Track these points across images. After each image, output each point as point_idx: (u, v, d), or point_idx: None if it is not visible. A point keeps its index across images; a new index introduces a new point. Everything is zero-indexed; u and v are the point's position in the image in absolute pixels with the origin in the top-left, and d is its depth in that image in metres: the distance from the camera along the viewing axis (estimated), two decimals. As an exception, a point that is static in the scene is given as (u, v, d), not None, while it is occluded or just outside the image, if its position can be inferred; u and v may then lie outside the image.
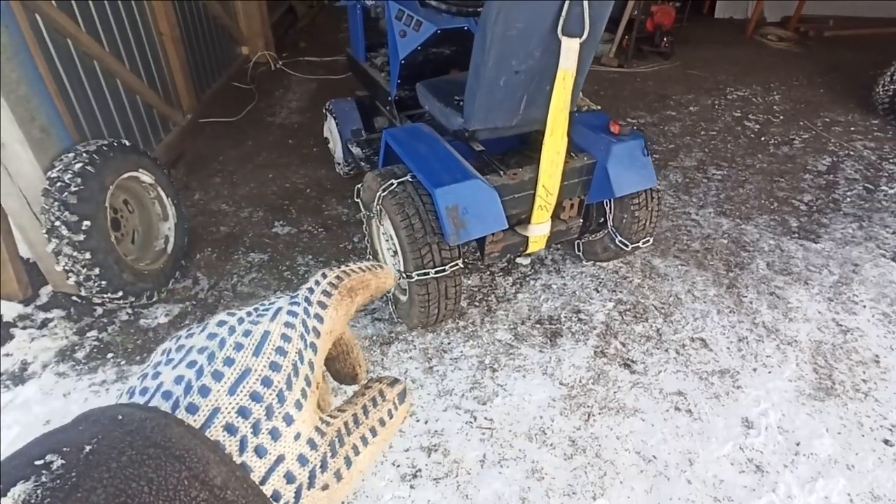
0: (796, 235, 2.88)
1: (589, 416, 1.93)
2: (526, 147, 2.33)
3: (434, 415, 1.92)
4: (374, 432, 0.30)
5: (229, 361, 0.26)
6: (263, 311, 0.30)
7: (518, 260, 2.61)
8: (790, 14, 5.96)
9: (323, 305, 0.30)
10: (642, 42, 5.11)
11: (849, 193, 3.25)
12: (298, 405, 0.27)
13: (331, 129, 3.07)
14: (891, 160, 3.61)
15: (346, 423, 0.30)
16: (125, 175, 2.14)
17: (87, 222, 1.91)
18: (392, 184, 1.86)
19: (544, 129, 1.83)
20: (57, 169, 1.93)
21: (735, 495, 1.70)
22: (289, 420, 0.26)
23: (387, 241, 2.09)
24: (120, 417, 0.23)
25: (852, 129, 4.01)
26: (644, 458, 1.80)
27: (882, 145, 3.79)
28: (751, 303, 2.43)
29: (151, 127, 3.07)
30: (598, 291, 2.46)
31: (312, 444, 0.27)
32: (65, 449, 0.21)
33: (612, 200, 2.22)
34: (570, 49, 1.64)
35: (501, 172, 1.94)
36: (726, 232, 2.89)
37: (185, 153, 3.36)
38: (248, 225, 2.84)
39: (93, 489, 0.19)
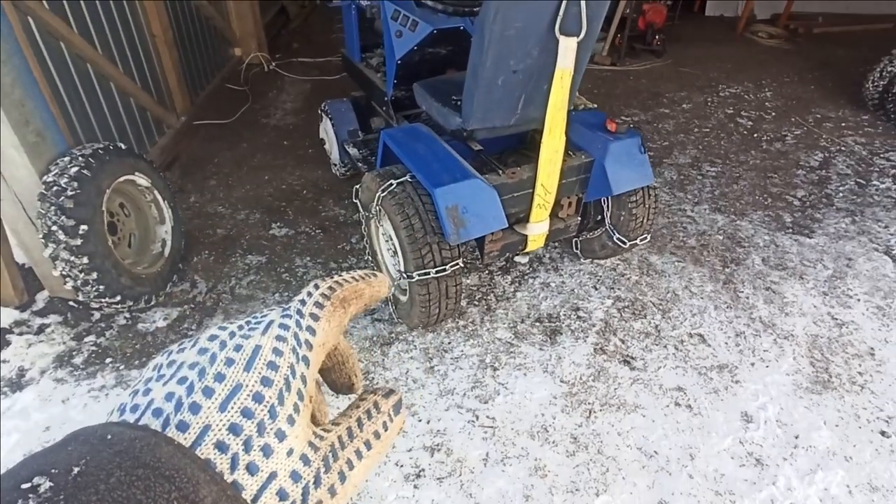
0: (790, 231, 2.91)
1: (590, 412, 1.94)
2: (523, 146, 2.34)
3: (436, 414, 1.92)
4: (368, 445, 0.30)
5: (220, 377, 0.26)
6: (255, 324, 0.29)
7: (516, 259, 2.62)
8: (779, 11, 6.02)
9: (315, 317, 0.30)
10: (634, 40, 5.14)
11: (841, 188, 3.29)
12: (291, 420, 0.26)
13: (327, 130, 3.06)
14: (881, 155, 3.65)
15: (339, 437, 0.29)
16: (121, 178, 2.13)
17: (84, 226, 1.90)
18: (391, 184, 1.86)
19: (542, 128, 1.84)
20: (53, 173, 1.92)
21: (736, 489, 1.72)
22: (281, 436, 0.26)
23: (386, 241, 2.09)
24: (109, 437, 0.22)
25: (843, 124, 4.05)
26: (645, 453, 1.81)
27: (872, 140, 3.83)
28: (747, 298, 2.46)
29: (145, 129, 3.05)
30: (596, 289, 2.48)
31: (305, 460, 0.26)
32: (53, 471, 0.20)
33: (609, 198, 2.23)
34: (567, 48, 1.65)
35: (500, 172, 1.94)
36: (721, 228, 2.91)
37: (179, 156, 3.34)
38: (245, 227, 2.83)
39: None
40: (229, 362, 0.27)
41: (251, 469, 0.24)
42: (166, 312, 2.30)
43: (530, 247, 2.11)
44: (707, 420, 1.92)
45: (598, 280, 2.52)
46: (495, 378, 2.05)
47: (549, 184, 1.94)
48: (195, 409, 0.25)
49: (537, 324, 2.29)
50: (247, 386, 0.26)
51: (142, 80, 3.01)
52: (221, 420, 0.25)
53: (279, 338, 0.28)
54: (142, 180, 2.25)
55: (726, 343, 2.23)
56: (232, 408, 0.25)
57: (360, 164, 2.64)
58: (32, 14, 2.12)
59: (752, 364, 2.14)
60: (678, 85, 4.66)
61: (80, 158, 1.95)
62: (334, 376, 0.36)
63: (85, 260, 1.92)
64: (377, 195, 1.90)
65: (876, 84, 3.99)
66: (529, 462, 1.78)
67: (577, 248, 2.58)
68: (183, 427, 0.24)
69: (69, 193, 1.87)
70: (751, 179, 3.36)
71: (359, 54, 2.84)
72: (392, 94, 2.47)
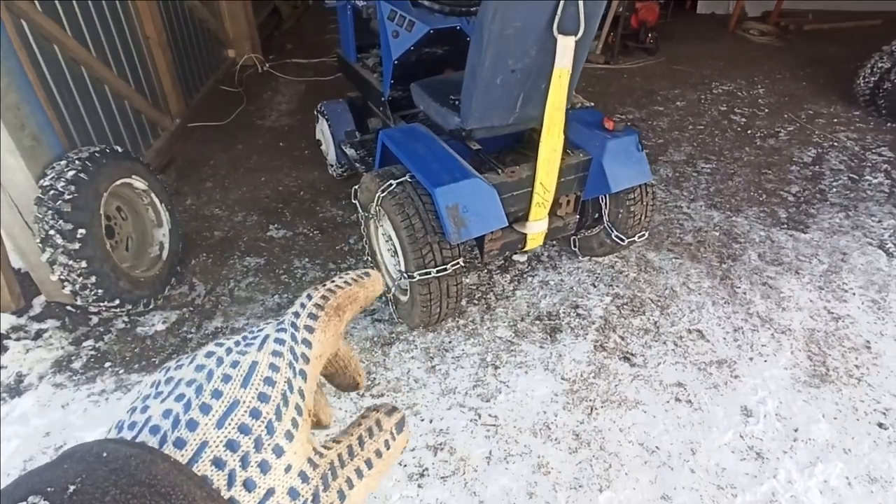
0: (785, 226, 2.94)
1: (591, 409, 1.95)
2: (520, 145, 2.35)
3: (438, 413, 1.92)
4: (369, 464, 0.29)
5: (217, 394, 0.26)
6: (251, 339, 0.29)
7: (515, 257, 2.63)
8: (770, 9, 6.06)
9: (310, 329, 0.30)
10: (627, 39, 5.16)
11: (834, 184, 3.32)
12: (289, 436, 0.26)
13: (323, 130, 3.06)
14: (873, 150, 3.69)
15: (340, 455, 0.29)
16: (118, 182, 2.11)
17: (81, 230, 1.89)
18: (391, 184, 1.86)
19: (540, 127, 1.85)
20: (49, 177, 1.90)
21: (737, 482, 1.73)
22: (279, 452, 0.26)
23: (386, 241, 2.09)
24: (105, 455, 0.22)
25: (835, 120, 4.09)
26: (647, 449, 1.83)
27: (864, 136, 3.87)
28: (744, 293, 2.48)
29: (140, 132, 3.03)
30: (594, 286, 2.49)
31: (304, 477, 0.26)
32: (49, 489, 0.20)
33: (607, 196, 2.24)
34: (565, 47, 1.66)
35: (499, 171, 1.95)
36: (717, 224, 2.94)
37: (174, 158, 3.33)
38: (243, 229, 2.82)
39: None
40: (226, 379, 0.27)
41: (248, 485, 0.24)
42: (165, 316, 2.29)
43: (529, 245, 2.12)
44: (707, 415, 1.94)
45: (597, 277, 2.54)
46: (496, 376, 2.06)
47: (548, 182, 1.95)
48: (192, 425, 0.25)
49: (537, 322, 2.30)
50: (244, 402, 0.26)
51: (136, 82, 3.00)
52: (219, 436, 0.25)
53: (275, 353, 0.28)
54: (139, 183, 2.24)
55: (725, 338, 2.24)
56: (229, 424, 0.25)
57: (357, 165, 2.64)
58: (26, 17, 2.11)
59: (751, 359, 2.15)
60: (671, 83, 4.69)
61: (76, 162, 1.94)
62: (338, 380, 0.36)
63: (83, 264, 1.90)
64: (377, 195, 1.90)
65: (867, 80, 4.03)
66: (532, 459, 1.78)
67: (575, 246, 2.59)
68: (180, 444, 0.24)
69: (66, 197, 1.86)
70: (745, 176, 3.38)
71: (354, 55, 2.83)
72: (389, 94, 2.47)
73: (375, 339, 2.20)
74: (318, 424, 0.35)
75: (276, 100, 4.23)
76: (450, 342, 2.19)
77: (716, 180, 3.33)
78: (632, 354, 2.16)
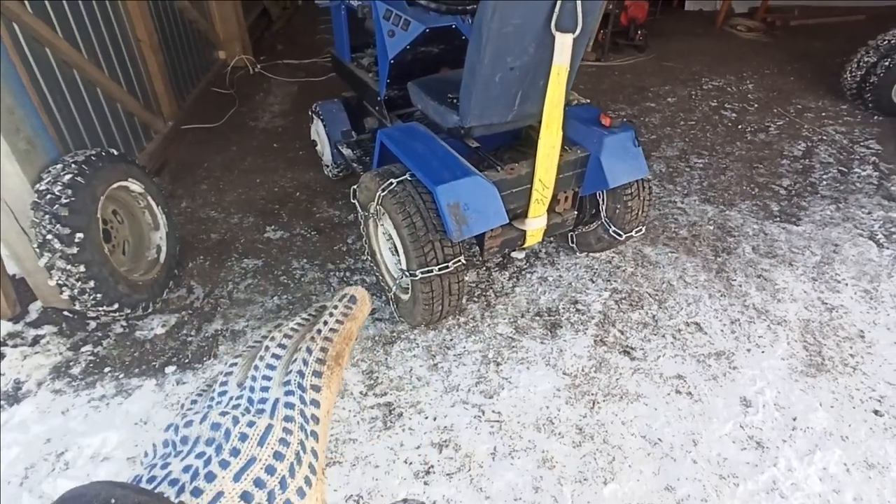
0: (778, 219, 2.98)
1: (593, 403, 1.97)
2: (518, 142, 2.36)
3: (442, 411, 1.93)
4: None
5: (235, 452, 0.27)
6: (261, 405, 0.30)
7: (513, 254, 2.64)
8: (757, 5, 6.13)
9: (317, 389, 0.32)
10: (617, 36, 5.19)
11: (825, 177, 3.37)
12: (301, 493, 0.28)
13: (318, 131, 3.05)
14: (861, 143, 3.75)
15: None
16: (115, 185, 2.10)
17: (79, 234, 1.87)
18: (391, 183, 1.87)
19: (538, 124, 1.86)
20: (45, 181, 1.88)
21: (739, 472, 1.76)
22: None
23: (387, 240, 2.10)
24: (113, 501, 0.23)
25: (823, 114, 4.15)
26: (650, 441, 1.85)
27: (852, 129, 3.93)
28: (740, 286, 2.51)
29: (133, 135, 3.01)
30: (593, 282, 2.51)
31: None
32: None
33: (605, 192, 2.26)
34: (563, 44, 1.67)
35: (499, 168, 1.96)
36: (711, 218, 2.97)
37: (168, 161, 3.30)
38: (239, 231, 2.81)
39: None
40: (243, 437, 0.28)
41: None
42: (164, 319, 2.28)
43: (529, 242, 2.13)
44: (707, 406, 1.96)
45: (595, 273, 2.56)
46: (499, 373, 2.07)
47: (547, 179, 1.96)
48: (210, 477, 0.26)
49: (537, 318, 2.32)
50: (260, 459, 0.27)
51: (128, 85, 2.97)
52: (234, 489, 0.26)
53: (287, 418, 0.30)
54: (135, 186, 2.22)
55: (722, 331, 2.27)
56: (245, 478, 0.27)
57: (354, 165, 2.64)
58: (17, 19, 2.08)
59: (748, 350, 2.18)
60: (662, 79, 4.72)
61: (72, 166, 1.92)
62: None
63: (82, 268, 1.89)
64: (377, 194, 1.90)
65: (853, 74, 4.09)
66: (537, 454, 1.80)
67: (572, 242, 2.61)
68: (197, 493, 0.26)
69: (63, 201, 1.84)
70: (737, 170, 3.42)
71: (349, 54, 2.83)
72: (385, 93, 2.47)
73: (377, 337, 2.20)
74: None
75: (269, 101, 4.21)
76: (451, 340, 2.20)
77: (708, 175, 3.36)
78: (631, 348, 2.18)
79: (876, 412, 1.96)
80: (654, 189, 3.18)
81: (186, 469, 0.27)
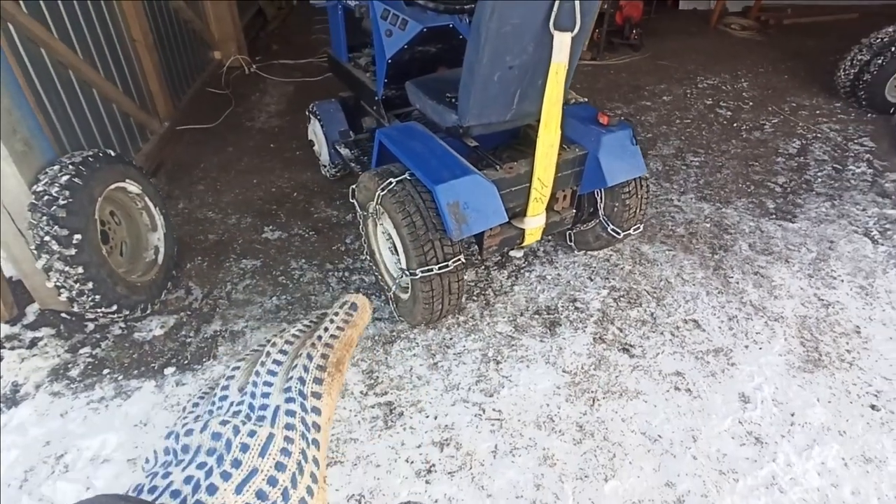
0: (774, 216, 3.00)
1: (593, 401, 1.98)
2: (516, 141, 2.36)
3: (443, 410, 1.93)
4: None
5: (237, 463, 0.27)
6: (261, 411, 0.30)
7: (511, 253, 2.65)
8: (751, 4, 6.17)
9: (318, 396, 0.31)
10: (612, 35, 5.21)
11: (819, 174, 3.39)
12: (303, 503, 0.28)
13: (315, 131, 3.05)
14: (855, 140, 3.78)
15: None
16: (112, 186, 2.09)
17: (77, 236, 1.86)
18: (391, 182, 1.87)
19: (536, 123, 1.86)
20: (43, 182, 1.87)
21: (738, 467, 1.77)
22: None
23: (386, 239, 2.10)
24: None
25: (818, 112, 4.18)
26: (650, 437, 1.86)
27: (846, 127, 3.96)
28: (737, 283, 2.52)
29: (129, 136, 2.99)
30: (591, 280, 2.52)
31: None
32: None
33: (603, 190, 2.27)
34: (562, 43, 1.68)
35: (497, 167, 1.96)
36: (708, 216, 2.99)
37: (164, 162, 3.29)
38: (237, 231, 2.81)
39: None
40: (244, 448, 0.28)
41: None
42: (163, 320, 2.27)
43: (527, 240, 2.14)
44: (706, 402, 1.98)
45: (593, 271, 2.57)
46: (499, 371, 2.08)
47: (546, 177, 1.97)
48: (212, 490, 0.26)
49: (536, 316, 2.32)
50: (262, 471, 0.27)
51: (124, 85, 2.96)
52: (237, 501, 0.26)
53: (288, 426, 0.30)
54: (132, 187, 2.21)
55: (720, 327, 2.29)
56: (247, 490, 0.27)
57: (352, 165, 2.63)
58: (11, 19, 2.07)
59: (746, 346, 2.20)
60: (657, 78, 4.74)
61: (70, 166, 1.91)
62: None
63: (80, 270, 1.88)
64: (377, 194, 1.90)
65: (847, 72, 4.12)
66: (538, 452, 1.80)
67: (570, 241, 2.62)
68: None
69: (61, 202, 1.83)
70: (733, 168, 3.44)
71: (346, 54, 2.83)
72: (383, 93, 2.47)
73: (377, 337, 2.20)
74: None
75: (265, 101, 4.20)
76: (451, 339, 2.21)
77: (705, 173, 3.38)
78: (630, 346, 2.20)
79: (873, 407, 1.97)
80: (651, 187, 3.19)
81: (188, 480, 0.27)
